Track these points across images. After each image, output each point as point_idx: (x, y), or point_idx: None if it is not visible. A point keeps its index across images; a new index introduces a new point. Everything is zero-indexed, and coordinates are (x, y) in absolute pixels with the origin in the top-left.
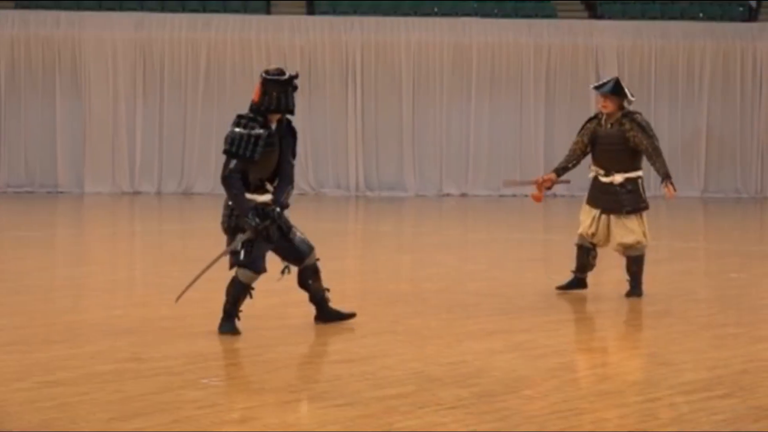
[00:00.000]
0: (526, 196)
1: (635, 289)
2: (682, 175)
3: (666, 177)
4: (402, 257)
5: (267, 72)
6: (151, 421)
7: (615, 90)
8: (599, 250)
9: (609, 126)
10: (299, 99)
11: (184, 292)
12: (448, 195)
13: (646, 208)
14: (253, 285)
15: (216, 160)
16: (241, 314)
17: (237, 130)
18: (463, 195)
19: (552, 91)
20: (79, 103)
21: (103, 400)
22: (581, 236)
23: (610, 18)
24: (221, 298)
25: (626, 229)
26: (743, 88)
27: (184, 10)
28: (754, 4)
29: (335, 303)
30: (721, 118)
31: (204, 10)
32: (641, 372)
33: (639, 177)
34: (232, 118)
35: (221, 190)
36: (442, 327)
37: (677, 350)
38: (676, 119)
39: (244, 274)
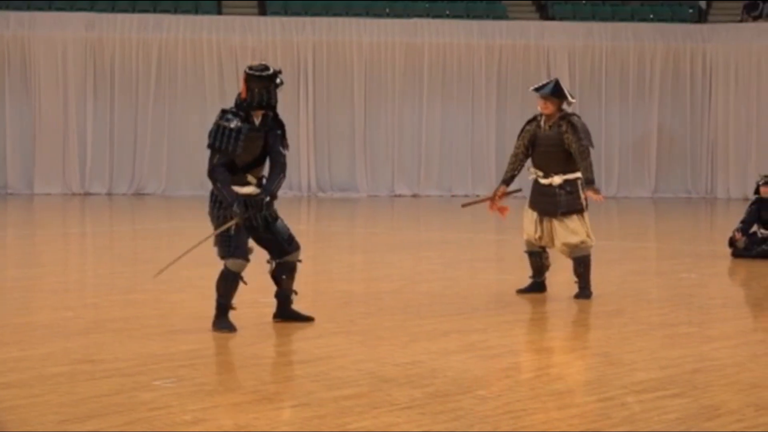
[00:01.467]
0: (478, 195)
1: (584, 290)
2: (633, 176)
3: (588, 182)
4: (355, 258)
5: (250, 68)
6: (103, 423)
7: (555, 92)
8: (549, 251)
9: (548, 128)
10: None
11: (164, 269)
12: (400, 196)
13: (582, 210)
14: (242, 273)
15: (167, 161)
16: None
17: (219, 123)
18: (415, 196)
19: (503, 91)
20: (29, 103)
21: (55, 402)
22: (528, 243)
23: (561, 19)
24: (173, 300)
25: (568, 230)
26: (693, 89)
27: (134, 10)
28: (703, 5)
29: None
30: (671, 118)
31: (155, 11)
32: (593, 372)
33: (578, 178)
34: (183, 118)
35: (172, 192)
36: (395, 327)
37: (629, 350)
38: (627, 120)
39: (234, 263)
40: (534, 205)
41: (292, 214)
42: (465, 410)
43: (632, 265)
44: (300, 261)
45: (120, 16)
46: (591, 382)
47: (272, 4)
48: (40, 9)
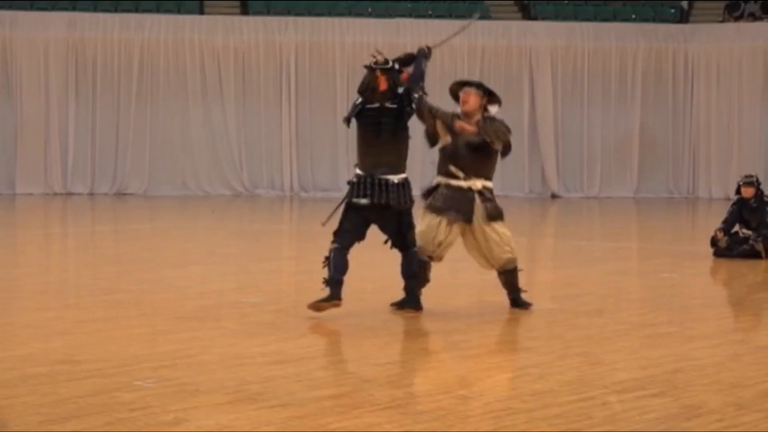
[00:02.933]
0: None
1: (521, 300)
2: (615, 176)
3: (484, 132)
4: None
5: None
6: (84, 423)
7: (479, 85)
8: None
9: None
10: (233, 98)
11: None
12: None
13: (503, 218)
14: None
15: (149, 161)
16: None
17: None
18: None
19: None
20: (11, 103)
21: (36, 402)
22: (422, 249)
23: (543, 19)
24: (155, 300)
25: (495, 241)
26: (675, 89)
27: (117, 10)
28: (685, 5)
29: (270, 304)
30: (653, 118)
31: (137, 10)
32: (574, 371)
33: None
34: (165, 118)
35: (154, 192)
36: (377, 327)
37: (610, 350)
38: (609, 120)
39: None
40: (442, 211)
41: (274, 213)
42: (446, 410)
43: (613, 264)
44: None
45: (102, 16)
46: (572, 382)
47: (255, 4)
48: (22, 8)
